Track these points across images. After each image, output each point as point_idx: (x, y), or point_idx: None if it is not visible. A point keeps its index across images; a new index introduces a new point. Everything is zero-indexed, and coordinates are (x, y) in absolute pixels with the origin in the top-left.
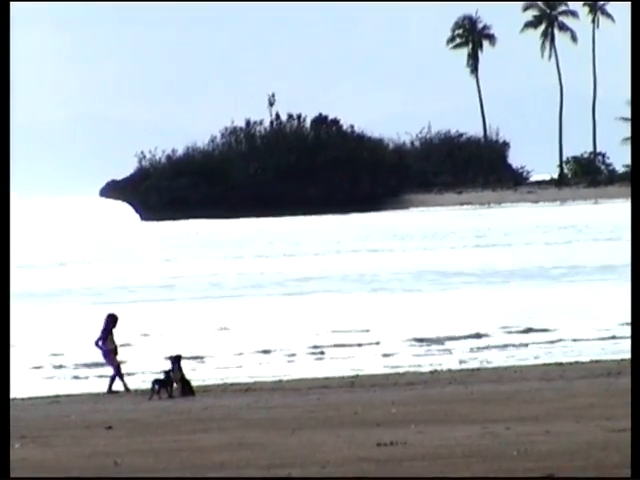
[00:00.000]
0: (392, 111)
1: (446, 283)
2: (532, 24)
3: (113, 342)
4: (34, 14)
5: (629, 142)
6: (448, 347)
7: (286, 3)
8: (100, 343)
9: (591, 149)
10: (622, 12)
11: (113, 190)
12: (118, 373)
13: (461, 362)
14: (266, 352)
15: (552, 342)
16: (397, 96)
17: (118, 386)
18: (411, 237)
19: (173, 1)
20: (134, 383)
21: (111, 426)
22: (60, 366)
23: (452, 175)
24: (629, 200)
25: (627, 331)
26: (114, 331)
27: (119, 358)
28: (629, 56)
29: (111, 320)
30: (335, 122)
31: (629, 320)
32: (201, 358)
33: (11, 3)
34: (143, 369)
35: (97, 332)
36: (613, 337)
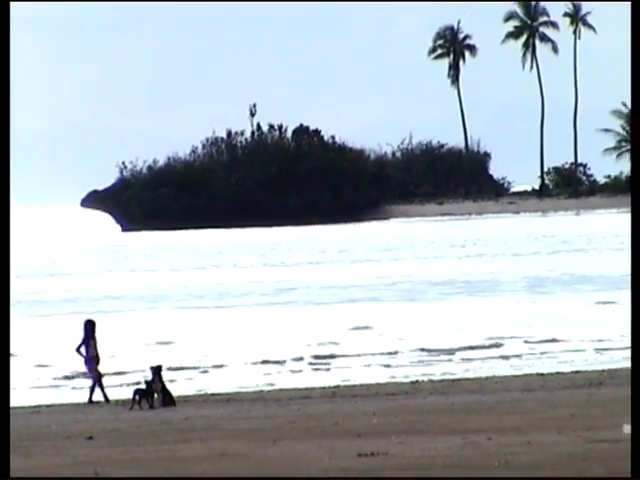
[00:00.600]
0: (373, 122)
1: (428, 293)
2: (513, 35)
3: (95, 349)
4: (14, 21)
5: (610, 153)
6: (429, 357)
7: (267, 13)
8: (82, 350)
9: (572, 160)
10: (603, 23)
11: (94, 200)
12: (98, 382)
13: (442, 372)
14: (247, 362)
15: (533, 352)
16: (378, 106)
17: (98, 396)
18: (392, 248)
19: (153, 9)
20: (115, 393)
21: (92, 436)
22: (40, 376)
23: (433, 186)
24: (610, 211)
25: (607, 341)
26: (96, 338)
27: (100, 367)
28: (610, 67)
29: (90, 326)
30: (316, 132)
31: (608, 330)
32: (182, 368)
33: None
34: (124, 379)
35: (77, 340)
36: (594, 348)
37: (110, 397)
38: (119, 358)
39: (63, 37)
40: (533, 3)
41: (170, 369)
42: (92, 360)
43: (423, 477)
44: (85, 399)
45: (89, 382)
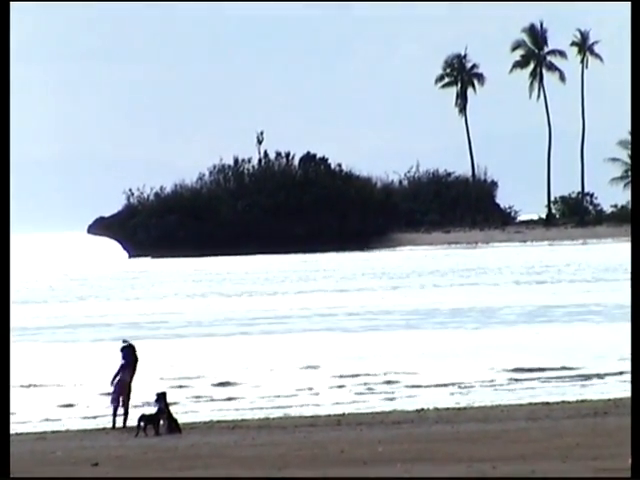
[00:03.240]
0: (380, 150)
1: (430, 322)
2: (520, 64)
3: (130, 374)
4: (18, 49)
5: (617, 182)
6: (435, 385)
7: (274, 41)
8: (121, 374)
9: (579, 189)
10: (611, 53)
11: (101, 227)
12: (124, 406)
13: (448, 401)
14: (253, 389)
15: (539, 380)
16: (385, 134)
17: (104, 421)
18: (399, 276)
19: (160, 37)
20: (120, 419)
21: (97, 463)
22: (48, 402)
23: (440, 214)
24: (617, 240)
25: (613, 370)
26: (137, 365)
27: (129, 394)
28: (617, 96)
29: (129, 352)
30: (323, 160)
31: (614, 359)
32: (188, 395)
33: (11, 4)
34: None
35: (84, 367)
36: (599, 376)
37: (117, 425)
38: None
39: (70, 65)
40: (540, 32)
41: (185, 393)
42: (121, 384)
43: None
44: (91, 425)
45: (97, 409)
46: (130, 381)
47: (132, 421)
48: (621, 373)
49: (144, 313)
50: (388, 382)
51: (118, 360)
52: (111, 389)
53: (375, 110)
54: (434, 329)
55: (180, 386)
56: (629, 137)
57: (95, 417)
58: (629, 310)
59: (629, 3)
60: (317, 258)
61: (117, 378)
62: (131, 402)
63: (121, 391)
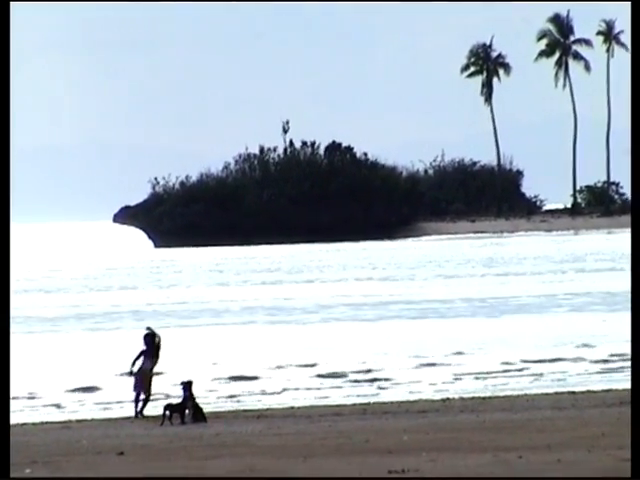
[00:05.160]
0: (406, 139)
1: (458, 311)
2: (546, 53)
3: (152, 362)
4: (44, 38)
5: None
6: (459, 374)
7: (300, 30)
8: (138, 362)
9: (605, 178)
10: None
11: (126, 216)
12: (145, 396)
13: (473, 390)
14: (278, 379)
15: (564, 371)
16: (411, 124)
17: (135, 410)
18: (424, 265)
19: (186, 27)
20: (146, 408)
21: (123, 452)
22: (73, 390)
23: (465, 203)
24: None
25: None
26: (159, 353)
27: (152, 383)
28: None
29: (151, 339)
30: (349, 149)
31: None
32: (214, 383)
33: (12, 4)
34: (156, 394)
35: (110, 356)
36: (623, 366)
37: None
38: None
39: (96, 54)
40: (565, 21)
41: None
42: (142, 373)
43: None
44: (116, 414)
45: (120, 396)
46: (151, 369)
47: (148, 410)
48: None
49: (170, 302)
50: (412, 371)
51: (141, 348)
52: (132, 377)
53: (401, 99)
54: (459, 318)
55: (204, 375)
56: None
57: (120, 405)
58: None
59: None
60: (342, 247)
61: (139, 367)
62: (152, 390)
63: (143, 379)
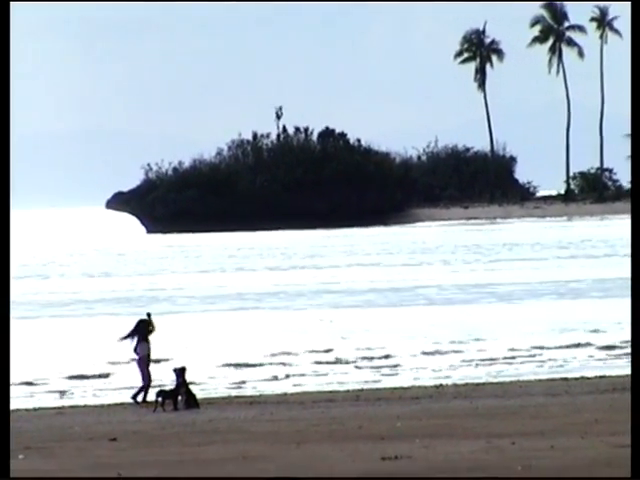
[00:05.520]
0: (399, 125)
1: (451, 297)
2: (539, 39)
3: (146, 349)
4: (38, 25)
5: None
6: (453, 361)
7: (294, 17)
8: (138, 349)
9: (598, 165)
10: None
11: (119, 202)
12: (147, 383)
13: (466, 376)
14: (271, 365)
15: (557, 358)
16: (404, 110)
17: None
18: (420, 251)
19: (180, 12)
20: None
21: (115, 438)
22: (66, 377)
23: (458, 190)
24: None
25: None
26: (150, 338)
27: (150, 369)
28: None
29: (143, 325)
30: (342, 135)
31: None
32: (205, 370)
33: (12, 4)
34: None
35: (102, 342)
36: (618, 353)
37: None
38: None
39: (87, 39)
40: (559, 7)
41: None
42: (142, 360)
43: None
44: (109, 400)
45: (118, 382)
46: (148, 355)
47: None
48: None
49: (162, 288)
50: (406, 357)
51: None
52: (136, 366)
53: (394, 85)
54: (452, 305)
55: (198, 361)
56: None
57: (114, 392)
58: None
59: None
60: (335, 233)
61: (137, 357)
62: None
63: (146, 367)
